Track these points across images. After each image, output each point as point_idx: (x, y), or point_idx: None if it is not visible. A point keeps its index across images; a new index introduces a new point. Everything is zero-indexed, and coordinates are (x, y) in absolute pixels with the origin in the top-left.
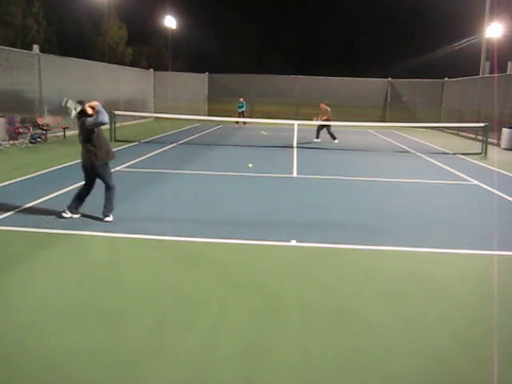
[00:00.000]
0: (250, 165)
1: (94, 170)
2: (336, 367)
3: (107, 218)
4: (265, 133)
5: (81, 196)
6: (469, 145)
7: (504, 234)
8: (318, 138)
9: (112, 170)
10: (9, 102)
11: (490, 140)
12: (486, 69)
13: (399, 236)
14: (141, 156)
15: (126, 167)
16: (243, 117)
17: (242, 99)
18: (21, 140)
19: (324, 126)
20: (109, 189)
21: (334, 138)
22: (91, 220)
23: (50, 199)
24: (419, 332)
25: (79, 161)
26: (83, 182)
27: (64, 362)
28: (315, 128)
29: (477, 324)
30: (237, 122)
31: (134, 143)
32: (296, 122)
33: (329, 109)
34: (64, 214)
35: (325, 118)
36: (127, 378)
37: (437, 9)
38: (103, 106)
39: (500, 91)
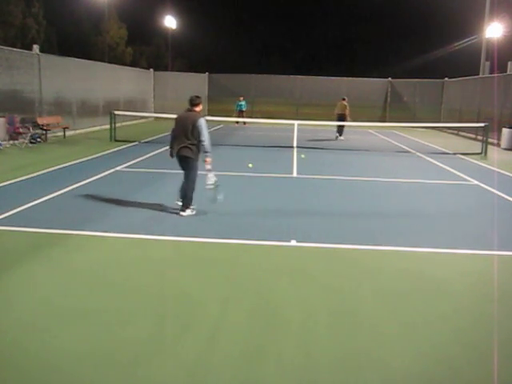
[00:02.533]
0: (250, 165)
1: (188, 162)
2: (336, 367)
3: (183, 213)
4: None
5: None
6: (469, 145)
7: (504, 234)
8: (341, 135)
9: (111, 170)
10: (9, 102)
11: (490, 140)
12: (486, 69)
13: (399, 236)
14: (141, 156)
15: (126, 167)
16: (242, 116)
17: (241, 98)
18: (21, 140)
19: (342, 121)
20: (187, 183)
21: (341, 135)
22: (91, 220)
23: (50, 199)
24: (419, 332)
25: (79, 161)
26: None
27: (64, 363)
28: (315, 128)
29: (477, 324)
30: (237, 122)
31: (134, 143)
32: (296, 122)
33: (346, 103)
34: (183, 213)
35: (344, 113)
36: (127, 378)
37: (437, 9)
38: (103, 106)
39: (500, 91)
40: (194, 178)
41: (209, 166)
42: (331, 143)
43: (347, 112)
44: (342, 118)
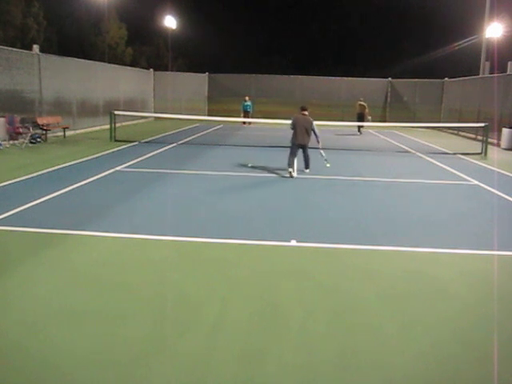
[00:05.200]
0: (250, 164)
1: (306, 146)
2: (336, 367)
3: (306, 170)
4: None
5: (293, 158)
6: (469, 145)
7: (504, 234)
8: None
9: (111, 170)
10: (9, 102)
11: (490, 140)
12: (486, 69)
13: (399, 236)
14: (141, 156)
15: (126, 167)
16: (247, 117)
17: (247, 98)
18: (21, 140)
19: (361, 119)
20: (306, 156)
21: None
22: (91, 220)
23: (50, 199)
24: (419, 332)
25: (79, 161)
26: (291, 153)
27: (64, 362)
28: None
29: (477, 324)
30: (244, 123)
31: (134, 143)
32: None
33: (364, 104)
34: (306, 170)
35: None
36: (127, 378)
37: (437, 9)
38: (103, 106)
39: (500, 91)
40: (309, 153)
41: (320, 147)
42: (331, 143)
43: (366, 111)
44: (361, 116)
